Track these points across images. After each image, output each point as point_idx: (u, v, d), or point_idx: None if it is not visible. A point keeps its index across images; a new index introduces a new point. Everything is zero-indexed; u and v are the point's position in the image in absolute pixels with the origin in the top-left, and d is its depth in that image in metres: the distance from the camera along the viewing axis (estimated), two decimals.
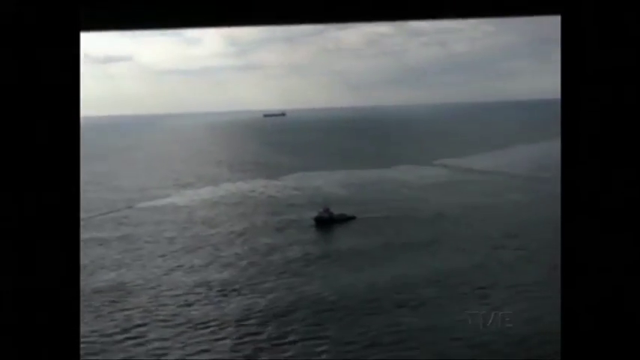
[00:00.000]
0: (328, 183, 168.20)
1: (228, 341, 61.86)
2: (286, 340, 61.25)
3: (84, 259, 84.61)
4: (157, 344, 61.72)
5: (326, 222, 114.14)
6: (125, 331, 65.15)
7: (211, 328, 65.05)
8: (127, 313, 70.29)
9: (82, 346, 52.49)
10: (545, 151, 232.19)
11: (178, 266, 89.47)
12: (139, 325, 66.35)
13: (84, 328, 61.21)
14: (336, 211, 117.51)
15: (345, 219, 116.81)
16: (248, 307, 70.67)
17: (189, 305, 72.31)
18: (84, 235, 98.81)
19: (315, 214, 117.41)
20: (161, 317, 68.51)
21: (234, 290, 77.31)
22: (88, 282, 79.38)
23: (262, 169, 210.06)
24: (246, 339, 62.07)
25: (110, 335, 63.90)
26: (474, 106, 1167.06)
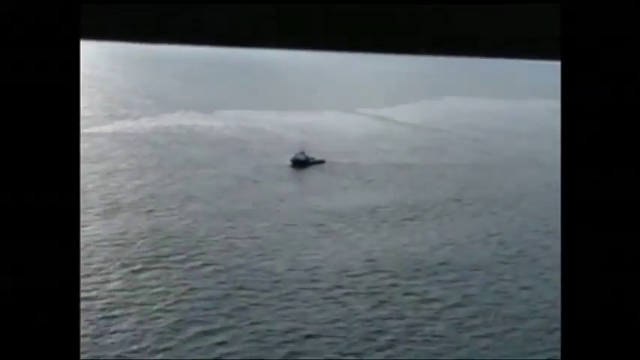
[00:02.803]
0: (268, 123, 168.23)
1: None
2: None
3: None
4: None
5: (302, 164, 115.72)
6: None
7: None
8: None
9: None
10: (457, 108, 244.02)
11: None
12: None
13: None
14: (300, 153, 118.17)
15: (317, 162, 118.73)
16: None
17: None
18: None
19: (283, 155, 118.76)
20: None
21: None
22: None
23: (185, 102, 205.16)
24: None
25: None
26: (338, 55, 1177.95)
